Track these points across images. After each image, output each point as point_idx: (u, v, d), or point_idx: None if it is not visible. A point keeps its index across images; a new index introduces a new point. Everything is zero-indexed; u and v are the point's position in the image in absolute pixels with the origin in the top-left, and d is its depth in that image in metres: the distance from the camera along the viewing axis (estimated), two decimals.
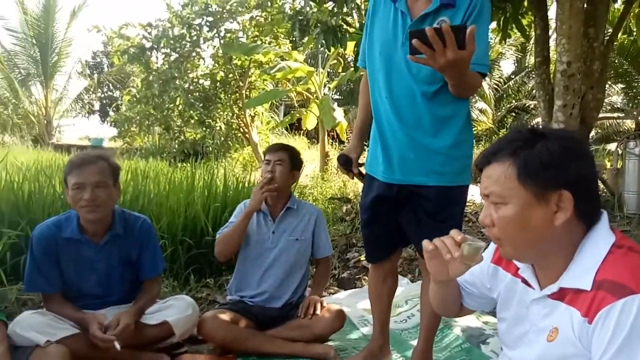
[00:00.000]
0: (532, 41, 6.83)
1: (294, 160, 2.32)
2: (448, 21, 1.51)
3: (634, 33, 5.67)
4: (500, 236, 1.00)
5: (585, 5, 3.58)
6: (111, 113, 20.58)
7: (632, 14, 5.34)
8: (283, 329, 2.17)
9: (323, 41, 4.13)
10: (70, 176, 1.82)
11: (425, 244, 1.07)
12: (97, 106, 21.94)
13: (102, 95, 21.80)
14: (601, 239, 0.95)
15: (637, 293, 0.83)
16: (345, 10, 4.07)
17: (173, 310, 1.97)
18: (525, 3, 4.28)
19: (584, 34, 3.63)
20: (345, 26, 4.09)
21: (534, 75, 8.96)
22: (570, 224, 0.95)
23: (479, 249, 1.02)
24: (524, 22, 4.65)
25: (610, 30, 4.92)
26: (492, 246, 1.18)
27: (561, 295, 0.97)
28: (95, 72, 21.25)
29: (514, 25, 4.49)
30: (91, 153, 1.90)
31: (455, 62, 1.28)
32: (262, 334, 2.14)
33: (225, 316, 2.09)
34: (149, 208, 3.35)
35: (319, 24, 4.18)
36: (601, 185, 4.09)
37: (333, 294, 3.12)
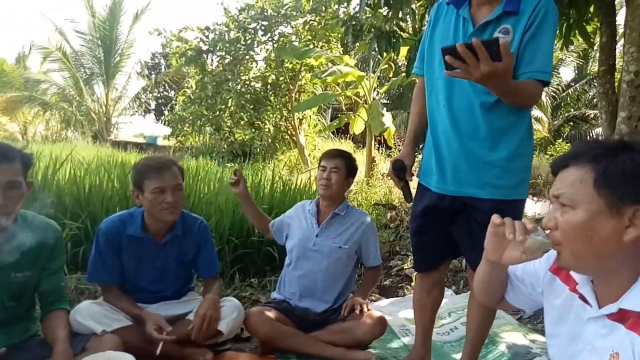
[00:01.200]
0: (595, 47, 6.49)
1: (349, 168, 2.32)
2: (510, 29, 1.48)
3: None
4: (562, 241, 0.95)
5: None
6: (166, 112, 21.45)
7: None
8: (324, 332, 2.18)
9: (376, 46, 4.12)
10: (149, 180, 1.92)
11: (494, 217, 1.04)
12: (152, 105, 22.90)
13: (158, 95, 22.73)
14: None
15: None
16: (400, 15, 4.05)
17: (221, 311, 2.02)
18: (592, 9, 4.08)
19: None
20: (398, 31, 4.06)
21: (595, 84, 8.53)
22: (639, 243, 0.89)
23: (542, 245, 0.97)
24: (589, 28, 4.44)
25: None
26: (551, 258, 1.12)
27: (622, 317, 0.91)
28: (153, 72, 22.20)
29: (577, 32, 4.30)
30: (163, 158, 2.00)
31: (491, 74, 1.28)
32: (304, 335, 2.15)
33: (271, 313, 2.14)
34: (199, 207, 3.46)
35: (372, 29, 4.17)
36: None
37: (375, 301, 3.11)
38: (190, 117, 9.40)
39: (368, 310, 2.23)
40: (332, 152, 2.38)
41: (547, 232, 0.99)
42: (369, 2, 4.17)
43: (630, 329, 0.88)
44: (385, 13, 4.19)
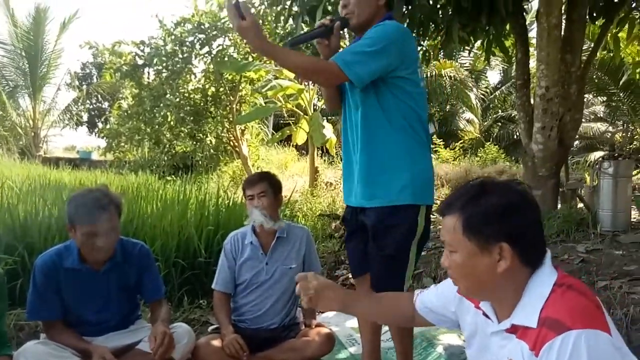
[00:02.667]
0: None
1: (274, 186, 2.33)
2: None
3: (613, 50, 5.92)
4: (454, 277, 1.15)
5: (562, 33, 3.77)
6: (100, 124, 20.53)
7: (609, 34, 5.58)
8: (275, 351, 2.24)
9: None
10: (80, 224, 1.86)
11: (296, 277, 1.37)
12: (85, 117, 21.81)
13: (91, 107, 21.70)
14: (545, 278, 1.06)
15: (572, 329, 0.94)
16: None
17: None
18: (508, 27, 4.48)
19: (562, 60, 3.82)
20: None
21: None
22: (513, 269, 1.06)
23: None
24: (507, 43, 4.85)
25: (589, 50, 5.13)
26: None
27: (514, 329, 1.08)
28: (84, 83, 21.17)
29: (496, 46, 4.69)
30: (100, 195, 1.92)
31: (239, 28, 1.63)
32: (254, 357, 2.20)
33: (218, 342, 2.16)
34: (143, 230, 3.41)
35: (310, 45, 4.31)
36: (579, 203, 4.26)
37: (322, 313, 3.21)
38: (128, 132, 9.12)
39: (316, 326, 2.34)
40: (251, 179, 2.36)
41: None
42: (304, 19, 4.31)
43: (520, 338, 1.05)
44: None
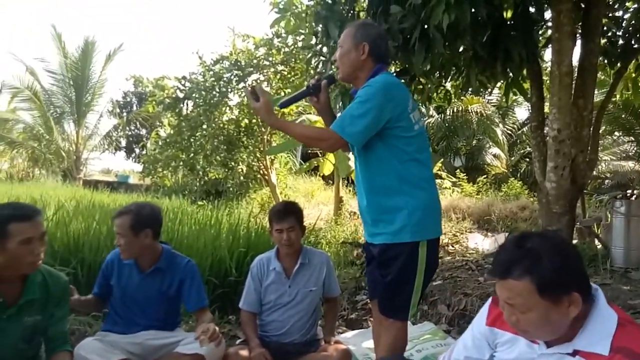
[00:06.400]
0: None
1: (300, 220, 2.52)
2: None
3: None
4: (527, 330, 1.25)
5: (574, 81, 4.01)
6: (137, 150, 21.50)
7: (629, 78, 5.76)
8: None
9: (340, 102, 4.61)
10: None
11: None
12: (123, 143, 22.93)
13: (130, 133, 22.82)
14: (606, 311, 1.21)
15: None
16: None
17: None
18: (524, 72, 4.73)
19: (574, 104, 4.03)
20: None
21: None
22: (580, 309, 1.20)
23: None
24: (526, 85, 5.09)
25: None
26: (484, 312, 1.46)
27: (575, 354, 1.20)
28: (124, 110, 22.37)
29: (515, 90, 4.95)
30: (121, 209, 2.36)
31: (255, 110, 1.97)
32: None
33: (245, 352, 2.40)
34: (180, 250, 3.73)
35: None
36: (596, 240, 4.39)
37: (341, 333, 3.44)
38: (165, 159, 9.71)
39: (335, 342, 2.57)
40: (280, 213, 2.49)
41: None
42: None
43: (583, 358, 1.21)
44: None
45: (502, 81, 5.11)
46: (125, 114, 20.93)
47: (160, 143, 10.40)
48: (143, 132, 22.83)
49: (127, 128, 20.80)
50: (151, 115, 16.38)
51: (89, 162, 19.49)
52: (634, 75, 5.71)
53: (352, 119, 1.87)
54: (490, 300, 1.49)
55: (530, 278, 1.17)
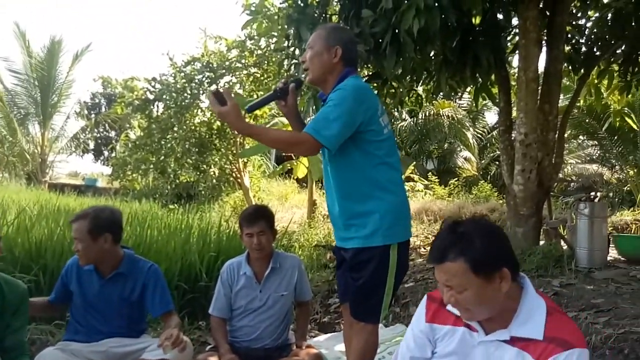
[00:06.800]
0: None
1: (271, 224, 2.47)
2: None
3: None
4: (465, 309, 1.33)
5: (540, 86, 4.14)
6: (105, 153, 20.99)
7: (591, 85, 5.97)
8: None
9: (313, 104, 4.62)
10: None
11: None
12: (91, 145, 22.34)
13: (98, 135, 22.26)
14: (535, 298, 1.32)
15: (576, 347, 1.23)
16: None
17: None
18: (493, 77, 4.85)
19: (540, 109, 4.16)
20: None
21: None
22: (510, 287, 1.30)
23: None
24: (494, 90, 5.22)
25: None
26: (421, 310, 1.51)
27: (514, 341, 1.29)
28: (92, 112, 21.81)
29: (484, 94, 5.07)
30: (79, 212, 2.28)
31: (220, 114, 1.79)
32: None
33: (215, 358, 2.35)
34: (148, 255, 3.63)
35: (310, 89, 4.66)
36: (562, 241, 4.51)
37: (314, 337, 3.42)
38: (135, 162, 9.50)
39: (307, 347, 2.54)
40: (250, 217, 2.45)
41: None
42: (302, 61, 4.68)
43: (521, 349, 1.28)
44: None
45: (471, 86, 5.24)
46: (93, 115, 20.42)
47: (129, 145, 10.19)
48: (112, 134, 22.31)
49: (96, 130, 20.29)
50: (120, 117, 15.99)
51: (55, 165, 18.87)
52: (596, 81, 5.93)
53: (326, 122, 1.84)
54: (425, 298, 1.55)
55: (464, 259, 1.26)
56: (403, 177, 2.24)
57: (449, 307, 1.41)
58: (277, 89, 2.07)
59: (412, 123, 14.30)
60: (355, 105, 1.87)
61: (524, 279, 1.36)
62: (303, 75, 2.07)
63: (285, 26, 4.48)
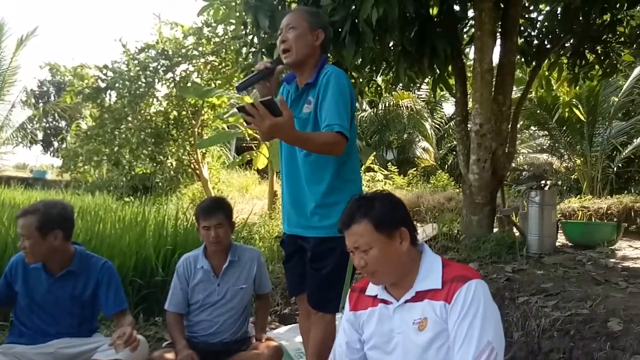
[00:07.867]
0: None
1: (229, 216, 2.42)
2: (312, 99, 1.93)
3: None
4: (374, 270, 1.45)
5: (494, 77, 4.24)
6: (55, 143, 20.01)
7: (542, 76, 6.19)
8: None
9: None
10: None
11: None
12: (40, 136, 21.23)
13: (47, 125, 21.16)
14: (432, 256, 1.49)
15: (473, 279, 1.38)
16: None
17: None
18: (450, 68, 4.93)
19: (494, 100, 4.26)
20: None
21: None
22: (410, 248, 1.46)
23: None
24: (451, 81, 5.32)
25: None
26: (346, 303, 1.62)
27: (419, 296, 1.42)
28: (40, 101, 20.69)
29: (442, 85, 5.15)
30: (26, 207, 2.14)
31: (275, 126, 1.58)
32: None
33: (172, 355, 2.29)
34: (101, 250, 3.50)
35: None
36: (514, 228, 4.68)
37: (274, 329, 3.40)
38: (87, 153, 9.09)
39: (266, 340, 2.51)
40: (207, 209, 2.39)
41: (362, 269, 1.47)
42: (264, 51, 4.60)
43: (430, 299, 1.41)
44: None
45: (429, 77, 5.31)
46: (41, 104, 19.35)
47: (81, 136, 9.73)
48: (62, 124, 21.28)
49: (44, 120, 19.25)
50: (70, 106, 15.23)
51: (0, 156, 17.83)
52: (547, 73, 6.15)
53: (345, 114, 1.85)
54: (348, 292, 1.69)
55: (367, 219, 1.42)
56: (363, 167, 2.26)
57: (367, 292, 1.56)
58: (268, 67, 1.94)
59: (372, 114, 14.41)
60: (351, 93, 1.92)
61: (423, 245, 1.52)
62: (284, 57, 1.93)
63: (243, 13, 4.37)
